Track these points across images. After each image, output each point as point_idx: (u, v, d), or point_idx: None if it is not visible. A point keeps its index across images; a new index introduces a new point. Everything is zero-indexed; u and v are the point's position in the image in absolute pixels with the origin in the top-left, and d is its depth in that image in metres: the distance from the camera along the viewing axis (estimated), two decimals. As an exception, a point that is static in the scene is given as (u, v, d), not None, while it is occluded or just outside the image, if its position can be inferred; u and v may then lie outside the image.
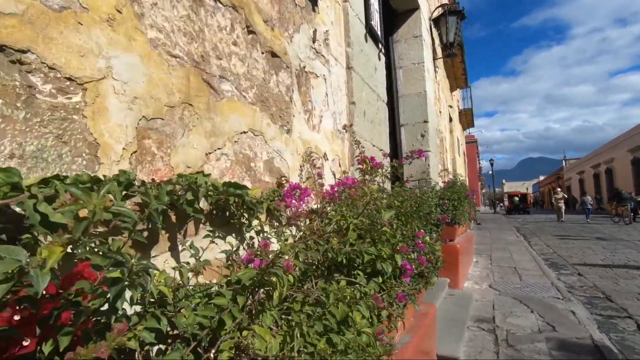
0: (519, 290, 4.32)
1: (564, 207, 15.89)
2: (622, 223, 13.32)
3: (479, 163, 38.23)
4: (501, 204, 42.51)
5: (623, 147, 25.79)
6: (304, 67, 1.88)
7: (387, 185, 2.45)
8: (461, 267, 4.31)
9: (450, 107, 7.35)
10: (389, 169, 2.37)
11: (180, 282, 0.81)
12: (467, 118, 13.08)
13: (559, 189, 18.47)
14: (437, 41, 6.01)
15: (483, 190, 49.26)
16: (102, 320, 0.61)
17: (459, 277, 4.20)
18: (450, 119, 8.49)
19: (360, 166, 1.84)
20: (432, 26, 5.92)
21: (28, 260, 0.49)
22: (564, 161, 49.28)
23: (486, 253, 7.36)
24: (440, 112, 6.04)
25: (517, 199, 31.15)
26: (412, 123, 4.52)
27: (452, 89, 9.02)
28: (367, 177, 1.84)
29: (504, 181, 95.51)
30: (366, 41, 2.89)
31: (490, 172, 35.32)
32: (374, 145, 2.76)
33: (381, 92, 3.17)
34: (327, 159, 1.94)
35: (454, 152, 8.46)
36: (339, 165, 2.23)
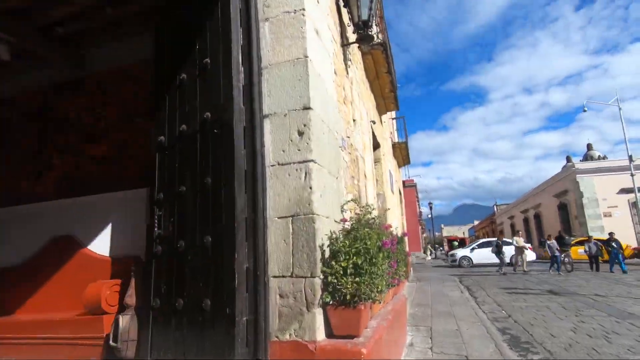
0: None
1: (526, 258, 13.33)
2: (564, 270, 12.39)
3: (419, 208, 38.13)
4: (441, 248, 42.28)
5: (549, 192, 26.84)
6: None
7: None
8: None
9: (374, 122, 5.68)
10: None
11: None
12: (402, 152, 11.73)
13: (519, 232, 15.94)
14: (349, 30, 4.28)
15: (424, 235, 49.35)
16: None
17: (366, 420, 1.98)
18: (378, 144, 6.78)
19: None
20: (342, 4, 4.22)
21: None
22: (495, 207, 51.69)
23: (425, 323, 5.31)
24: (354, 120, 4.16)
25: (456, 243, 30.80)
26: (284, 112, 2.48)
27: (380, 110, 7.47)
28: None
29: (442, 226, 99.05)
30: None
31: (430, 215, 35.18)
32: None
33: None
34: None
35: (383, 186, 6.69)
36: None
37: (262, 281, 2.28)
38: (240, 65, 2.61)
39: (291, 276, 2.27)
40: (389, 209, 6.67)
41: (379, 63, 5.69)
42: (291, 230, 2.32)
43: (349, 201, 2.99)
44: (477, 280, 11.63)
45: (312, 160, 2.36)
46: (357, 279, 2.19)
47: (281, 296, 2.27)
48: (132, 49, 3.98)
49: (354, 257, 2.21)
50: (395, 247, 3.07)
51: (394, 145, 10.99)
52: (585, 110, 18.58)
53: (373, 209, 2.78)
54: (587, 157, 27.49)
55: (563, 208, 24.81)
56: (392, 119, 11.99)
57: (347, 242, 2.26)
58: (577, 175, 21.95)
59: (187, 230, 2.63)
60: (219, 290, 2.33)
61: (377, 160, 6.81)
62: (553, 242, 12.94)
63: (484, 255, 18.21)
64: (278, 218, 2.37)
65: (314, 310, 2.18)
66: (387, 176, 7.44)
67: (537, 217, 30.20)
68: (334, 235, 2.34)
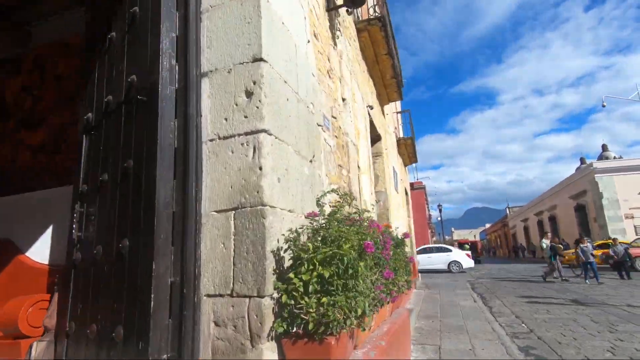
0: None
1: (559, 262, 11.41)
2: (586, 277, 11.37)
3: (428, 211, 36.97)
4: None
5: (565, 193, 25.65)
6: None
7: None
8: None
9: (371, 107, 4.97)
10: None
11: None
12: (408, 149, 10.91)
13: (548, 233, 13.66)
14: None
15: (434, 238, 48.00)
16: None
17: None
18: (378, 136, 6.06)
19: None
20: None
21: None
22: (507, 209, 50.16)
23: (433, 340, 4.56)
24: (343, 99, 3.47)
25: (467, 246, 29.65)
26: (227, 67, 1.82)
27: (382, 100, 6.76)
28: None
29: (453, 229, 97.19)
30: None
31: (439, 218, 34.10)
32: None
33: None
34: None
35: (385, 183, 5.96)
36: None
37: (191, 302, 1.60)
38: (175, 9, 1.96)
39: (231, 295, 1.58)
40: (379, 201, 5.92)
41: (377, 43, 5.00)
42: (232, 229, 1.64)
43: (328, 192, 2.29)
44: (490, 287, 10.76)
45: (263, 131, 1.68)
46: (324, 298, 1.49)
47: (217, 324, 1.59)
48: (80, 17, 3.38)
49: (320, 267, 1.52)
50: (390, 252, 2.36)
51: (398, 141, 10.23)
52: (604, 106, 17.60)
53: (354, 199, 2.08)
54: (602, 159, 26.31)
55: (580, 210, 23.59)
56: (397, 112, 11.23)
57: (310, 245, 1.57)
58: (596, 175, 20.78)
59: (106, 231, 1.98)
60: (133, 314, 1.66)
61: (378, 154, 6.10)
62: (587, 246, 10.74)
63: (422, 262, 17.63)
64: (216, 212, 1.69)
65: (261, 346, 1.49)
66: (390, 172, 6.72)
67: (553, 219, 28.96)
68: (291, 236, 1.64)
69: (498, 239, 56.29)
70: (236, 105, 1.75)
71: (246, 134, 1.70)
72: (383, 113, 7.00)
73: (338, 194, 2.30)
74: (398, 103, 11.61)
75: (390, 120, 8.87)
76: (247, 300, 1.55)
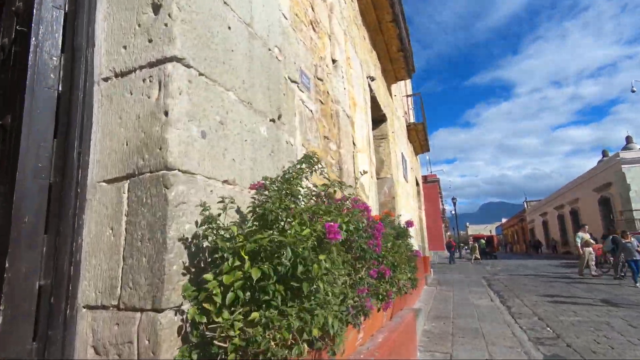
0: None
1: (593, 257, 10.46)
2: (614, 274, 10.46)
3: (442, 205, 35.86)
4: (466, 247, 39.38)
5: (588, 186, 24.33)
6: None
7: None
8: None
9: (371, 79, 4.33)
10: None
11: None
12: (419, 136, 10.12)
13: (585, 226, 12.57)
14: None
15: (448, 233, 46.80)
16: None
17: None
18: (383, 116, 5.43)
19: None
20: None
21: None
22: (525, 203, 48.49)
23: (444, 347, 3.95)
24: (333, 60, 2.87)
25: (483, 241, 28.55)
26: (133, -31, 1.27)
27: (388, 77, 6.10)
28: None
29: (467, 224, 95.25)
30: None
31: (453, 212, 33.08)
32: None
33: None
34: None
35: (391, 169, 5.33)
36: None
37: (62, 317, 1.06)
38: None
39: (117, 307, 1.03)
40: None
41: (380, 6, 4.34)
42: (125, 207, 1.09)
43: (298, 164, 1.70)
44: (508, 284, 10.02)
45: (174, 58, 1.11)
46: (254, 314, 0.93)
47: (97, 351, 1.04)
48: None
49: (248, 264, 0.95)
50: (380, 242, 1.77)
51: (408, 127, 9.51)
52: (633, 91, 16.42)
53: (317, 162, 1.50)
54: (626, 150, 24.76)
55: (605, 203, 22.31)
56: (407, 96, 10.48)
57: (234, 228, 1.01)
58: (623, 166, 19.50)
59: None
60: (-13, 331, 1.13)
61: (383, 137, 5.48)
62: (632, 242, 9.25)
63: None
64: (105, 182, 1.14)
65: (154, 389, 0.93)
66: (397, 158, 6.07)
67: (574, 213, 27.60)
68: (206, 213, 1.07)
69: (515, 234, 54.65)
70: (139, 26, 1.19)
71: (150, 65, 1.14)
72: (390, 93, 6.34)
73: (313, 167, 1.71)
74: (409, 87, 10.85)
75: (399, 104, 8.18)
76: (137, 315, 1.00)
